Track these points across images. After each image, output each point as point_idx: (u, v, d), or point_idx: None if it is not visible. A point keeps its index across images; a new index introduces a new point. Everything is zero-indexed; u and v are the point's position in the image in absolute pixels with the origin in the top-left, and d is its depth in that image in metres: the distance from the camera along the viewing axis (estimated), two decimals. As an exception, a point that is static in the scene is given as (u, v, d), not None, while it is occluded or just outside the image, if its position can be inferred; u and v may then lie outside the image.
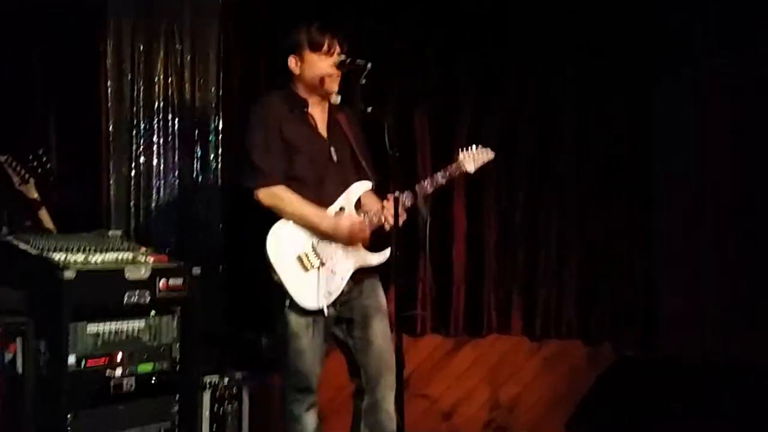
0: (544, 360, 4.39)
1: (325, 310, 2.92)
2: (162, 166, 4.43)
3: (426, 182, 3.08)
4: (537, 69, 4.39)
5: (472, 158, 3.16)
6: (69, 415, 2.78)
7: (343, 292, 3.01)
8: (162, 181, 4.43)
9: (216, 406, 3.31)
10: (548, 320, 4.34)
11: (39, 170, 4.04)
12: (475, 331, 4.33)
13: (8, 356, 2.65)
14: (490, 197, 4.32)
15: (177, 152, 4.43)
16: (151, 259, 3.09)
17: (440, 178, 3.11)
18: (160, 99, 4.44)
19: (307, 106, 3.09)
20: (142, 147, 4.43)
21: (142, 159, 4.43)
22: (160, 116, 4.45)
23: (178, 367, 3.12)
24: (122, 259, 3.02)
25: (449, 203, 4.27)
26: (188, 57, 4.46)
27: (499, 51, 4.34)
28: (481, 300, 4.31)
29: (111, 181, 4.40)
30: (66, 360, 2.76)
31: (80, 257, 2.91)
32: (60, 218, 4.02)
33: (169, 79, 4.46)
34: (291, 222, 2.96)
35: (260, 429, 3.44)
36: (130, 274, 2.94)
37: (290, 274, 2.92)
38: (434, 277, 4.28)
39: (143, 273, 2.98)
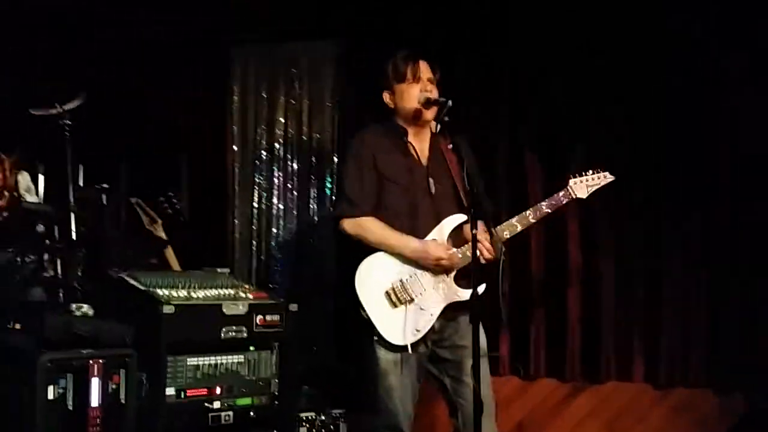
0: (669, 409, 4.05)
1: (409, 348, 2.85)
2: (282, 205, 4.59)
3: (529, 212, 2.99)
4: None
5: (585, 184, 3.04)
6: (168, 446, 2.88)
7: (434, 329, 2.93)
8: (281, 220, 4.58)
9: (312, 442, 3.33)
10: (674, 367, 4.02)
11: (168, 211, 4.28)
12: (593, 376, 4.09)
13: (112, 386, 2.79)
14: (607, 233, 4.09)
15: (295, 192, 4.58)
16: (250, 296, 3.16)
17: (545, 207, 3.00)
18: (280, 142, 4.62)
19: (406, 135, 3.08)
20: (263, 187, 4.62)
21: (263, 199, 4.63)
22: (280, 157, 4.62)
23: (276, 402, 3.16)
24: (222, 295, 3.12)
25: (564, 239, 4.09)
26: (306, 101, 4.62)
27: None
28: (599, 343, 4.07)
29: (235, 221, 4.63)
30: (164, 391, 2.87)
31: (183, 293, 3.03)
32: (186, 256, 4.23)
33: (288, 123, 4.64)
34: (380, 257, 2.93)
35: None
36: (228, 309, 3.03)
37: (378, 309, 2.89)
38: (547, 318, 4.11)
39: (240, 309, 3.05)
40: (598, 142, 4.03)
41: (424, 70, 3.06)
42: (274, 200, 4.59)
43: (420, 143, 3.09)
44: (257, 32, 4.65)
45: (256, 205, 4.60)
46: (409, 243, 2.92)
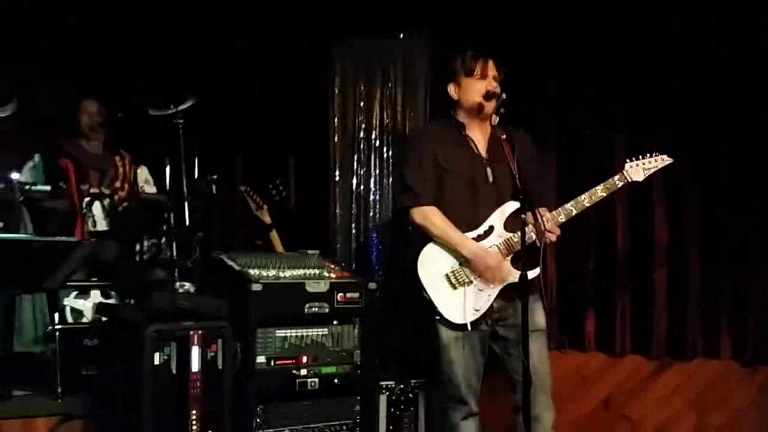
0: (756, 387, 3.99)
1: (468, 326, 3.05)
2: (378, 191, 4.85)
3: (584, 196, 3.09)
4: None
5: (641, 167, 3.11)
6: (259, 407, 3.22)
7: (494, 309, 3.10)
8: (378, 205, 4.84)
9: (392, 408, 3.57)
10: (761, 345, 3.95)
11: (275, 198, 4.64)
12: (680, 353, 4.09)
13: (210, 354, 3.14)
14: (694, 212, 4.06)
15: (391, 178, 4.82)
16: (333, 275, 3.45)
17: (600, 190, 3.10)
18: (377, 131, 4.88)
19: (464, 128, 3.25)
20: (361, 175, 4.90)
21: (361, 185, 4.91)
22: (376, 146, 4.88)
23: (358, 371, 3.43)
24: (307, 274, 3.41)
25: (650, 218, 4.11)
26: (400, 92, 4.85)
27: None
28: (685, 320, 4.06)
29: (336, 206, 4.94)
30: (255, 359, 3.21)
31: (272, 272, 3.36)
32: (291, 239, 4.59)
33: (384, 113, 4.88)
34: (441, 244, 3.13)
35: (436, 434, 3.61)
36: (311, 287, 3.32)
37: (439, 291, 3.09)
38: (633, 296, 4.14)
39: (322, 287, 3.34)
40: (683, 123, 4.03)
41: (492, 67, 3.20)
42: (371, 186, 4.87)
43: (479, 135, 3.24)
44: (355, 28, 4.92)
45: (354, 191, 4.89)
46: (467, 244, 3.09)
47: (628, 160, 3.12)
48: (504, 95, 3.00)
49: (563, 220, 3.07)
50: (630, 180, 3.09)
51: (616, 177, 3.10)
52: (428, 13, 4.67)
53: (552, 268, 4.28)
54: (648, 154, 3.15)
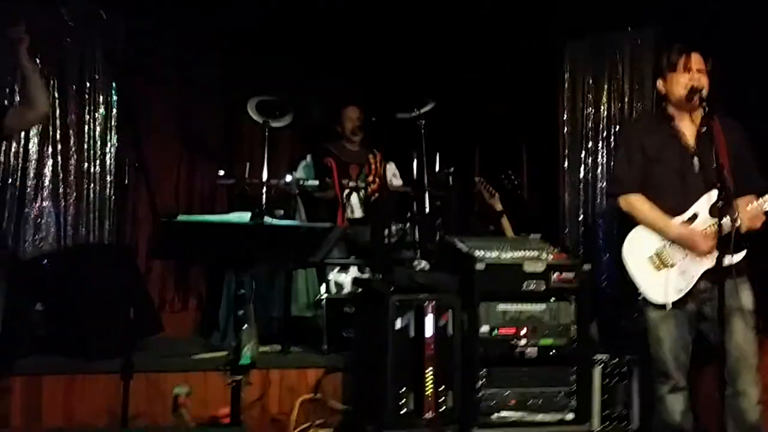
0: None
1: (669, 305, 3.20)
2: (605, 179, 5.02)
3: None
4: None
5: None
6: (484, 370, 3.64)
7: (700, 290, 3.23)
8: (599, 195, 5.03)
9: (607, 380, 3.79)
10: None
11: (508, 187, 5.02)
12: None
13: (442, 322, 3.61)
14: None
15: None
16: (549, 257, 3.76)
17: None
18: (604, 122, 5.06)
19: (672, 120, 3.39)
20: (590, 163, 5.11)
21: (589, 174, 5.12)
22: (604, 136, 5.06)
23: (574, 344, 3.71)
24: (526, 256, 3.75)
25: None
26: (627, 84, 4.99)
27: None
28: None
29: (565, 194, 5.20)
30: (479, 328, 3.63)
31: (494, 254, 3.74)
32: (522, 224, 4.94)
33: (612, 104, 5.05)
34: (645, 229, 3.31)
35: (649, 407, 3.76)
36: (528, 267, 3.66)
37: (642, 273, 3.29)
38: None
39: (538, 267, 3.67)
40: None
41: (696, 61, 3.31)
42: (599, 174, 5.06)
43: (689, 127, 3.35)
44: (584, 24, 5.12)
45: (582, 179, 5.12)
46: (671, 227, 3.26)
47: None
48: (704, 91, 3.11)
49: (761, 209, 3.12)
50: None
51: None
52: (655, 8, 4.75)
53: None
54: None
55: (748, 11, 4.26)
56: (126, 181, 4.68)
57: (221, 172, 4.23)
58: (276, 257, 3.24)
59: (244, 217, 2.58)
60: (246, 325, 2.93)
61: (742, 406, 3.17)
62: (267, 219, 2.68)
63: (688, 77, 3.28)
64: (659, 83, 3.42)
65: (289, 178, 4.29)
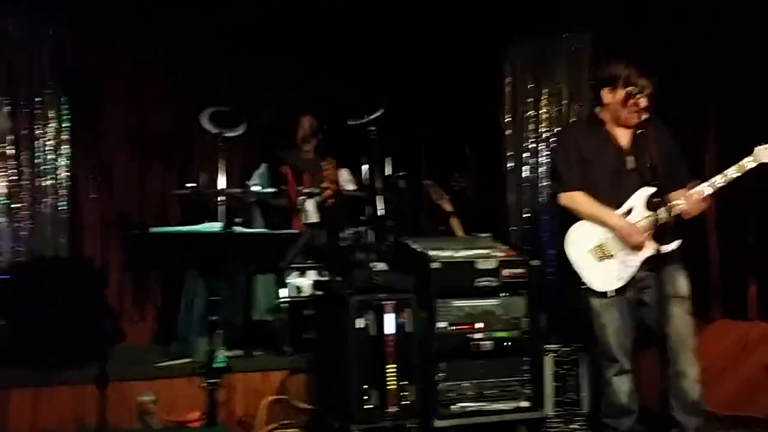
0: None
1: (611, 293, 3.44)
2: (547, 178, 5.25)
3: (718, 178, 3.37)
4: None
5: None
6: (442, 363, 3.79)
7: (639, 278, 3.46)
8: (546, 191, 5.26)
9: (557, 369, 3.99)
10: None
11: (456, 188, 5.20)
12: None
13: (401, 320, 3.75)
14: None
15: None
16: (500, 254, 3.94)
17: (732, 172, 3.35)
18: (544, 124, 5.29)
19: (605, 124, 3.60)
20: (531, 164, 5.34)
21: (530, 174, 5.34)
22: (544, 138, 5.29)
23: (525, 336, 3.90)
24: (478, 254, 3.93)
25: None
26: (565, 87, 5.24)
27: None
28: None
29: (510, 193, 5.41)
30: (436, 324, 3.79)
31: (448, 253, 3.91)
32: (470, 225, 5.12)
33: (551, 107, 5.28)
34: (586, 223, 3.53)
35: (598, 391, 3.98)
36: (480, 264, 3.85)
37: (584, 264, 3.51)
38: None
39: (490, 264, 3.86)
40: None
41: (635, 76, 3.49)
42: (539, 174, 5.29)
43: (621, 129, 3.59)
44: (524, 30, 5.35)
45: (525, 178, 5.34)
46: (613, 217, 3.48)
47: (758, 145, 3.34)
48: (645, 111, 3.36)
49: (698, 197, 3.37)
50: (761, 161, 3.32)
51: (746, 159, 3.34)
52: (590, 14, 5.00)
53: (714, 240, 4.50)
54: None
55: (678, 14, 4.52)
56: (81, 193, 4.68)
57: (191, 184, 4.26)
58: (246, 263, 3.34)
59: (215, 226, 2.68)
60: (218, 330, 3.01)
61: (683, 385, 3.42)
62: (236, 228, 2.79)
63: (643, 105, 3.47)
64: (605, 93, 3.58)
65: (253, 187, 4.37)
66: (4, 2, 4.54)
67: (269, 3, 4.89)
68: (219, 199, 4.37)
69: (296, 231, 3.32)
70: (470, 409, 3.79)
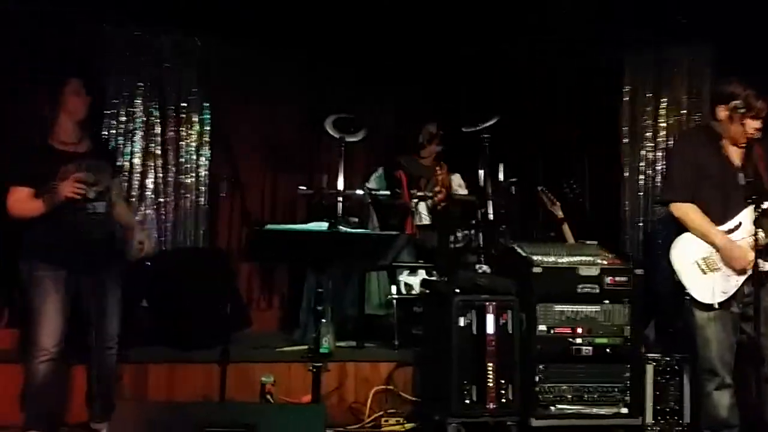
0: None
1: (716, 305, 3.37)
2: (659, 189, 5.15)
3: None
4: None
5: None
6: (541, 366, 3.85)
7: (744, 293, 3.38)
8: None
9: (659, 377, 3.93)
10: None
11: (569, 195, 5.21)
12: None
13: (502, 321, 3.83)
14: None
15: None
16: (604, 262, 3.95)
17: None
18: (663, 132, 5.20)
19: (721, 139, 3.55)
20: (649, 173, 5.26)
21: (649, 183, 5.26)
22: (662, 147, 5.20)
23: (628, 343, 3.88)
24: (581, 261, 3.95)
25: None
26: (684, 98, 5.13)
27: None
28: None
29: (625, 201, 5.35)
30: (537, 327, 3.85)
31: (551, 258, 3.95)
32: (583, 232, 5.11)
33: (668, 116, 5.19)
34: (692, 235, 3.49)
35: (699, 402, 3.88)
36: (582, 271, 3.87)
37: (689, 275, 3.46)
38: None
39: (593, 271, 3.87)
40: None
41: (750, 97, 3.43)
42: (657, 184, 5.20)
43: (734, 146, 3.53)
44: (643, 39, 5.27)
45: (641, 188, 5.26)
46: (718, 235, 3.43)
47: None
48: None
49: None
50: None
51: None
52: (712, 25, 4.88)
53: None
54: None
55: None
56: (221, 192, 5.09)
57: (302, 187, 4.55)
58: (349, 261, 3.56)
59: (323, 225, 2.90)
60: (324, 319, 3.24)
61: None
62: (342, 227, 3.00)
63: (755, 127, 3.42)
64: (721, 111, 3.53)
65: (371, 190, 4.60)
66: (156, 20, 4.99)
67: (389, 13, 5.08)
68: (339, 199, 4.63)
69: (395, 233, 3.49)
70: (569, 411, 3.82)
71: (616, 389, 3.87)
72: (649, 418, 3.90)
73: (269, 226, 2.93)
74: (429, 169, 5.06)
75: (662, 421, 3.91)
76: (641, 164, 5.28)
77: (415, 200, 4.83)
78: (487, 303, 3.81)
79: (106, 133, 4.95)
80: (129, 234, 3.63)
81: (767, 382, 3.38)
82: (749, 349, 3.44)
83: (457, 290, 3.84)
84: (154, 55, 5.13)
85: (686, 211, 3.53)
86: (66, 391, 3.90)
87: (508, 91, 5.43)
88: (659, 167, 5.20)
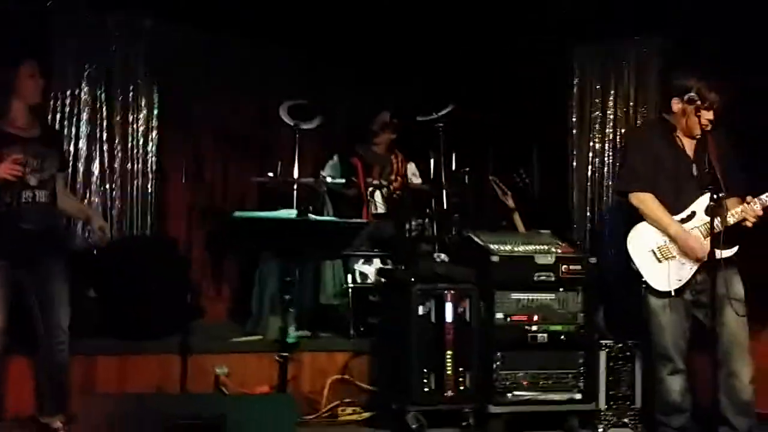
0: None
1: (672, 293, 3.45)
2: (611, 178, 5.23)
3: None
4: None
5: None
6: (499, 353, 3.87)
7: (697, 280, 3.47)
8: (610, 191, 5.24)
9: (611, 363, 4.01)
10: None
11: (520, 185, 5.24)
12: None
13: (460, 309, 3.85)
14: None
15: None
16: (558, 250, 3.99)
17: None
18: (610, 124, 5.28)
19: (675, 131, 3.62)
20: (596, 164, 5.33)
21: (596, 174, 5.34)
22: (610, 138, 5.28)
23: (581, 331, 3.94)
24: (537, 249, 3.99)
25: None
26: (632, 89, 5.20)
27: None
28: None
29: (573, 191, 5.42)
30: (495, 315, 3.87)
31: (508, 247, 3.98)
32: (533, 221, 5.16)
33: (618, 109, 5.26)
34: (647, 224, 3.54)
35: (650, 387, 3.98)
36: (539, 259, 3.91)
37: (645, 263, 3.52)
38: None
39: (549, 260, 3.91)
40: None
41: (715, 98, 3.48)
42: (605, 174, 5.28)
43: (687, 138, 3.60)
44: (592, 30, 5.32)
45: (589, 178, 5.33)
46: (673, 225, 3.50)
47: None
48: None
49: (759, 209, 3.36)
50: None
51: None
52: (661, 17, 4.96)
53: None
54: None
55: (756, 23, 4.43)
56: (167, 177, 4.93)
57: (270, 174, 4.44)
58: (318, 249, 3.50)
59: (291, 213, 2.83)
60: (291, 309, 3.18)
61: (735, 386, 3.42)
62: (311, 216, 2.94)
63: (708, 119, 3.47)
64: (677, 104, 3.58)
65: (325, 177, 4.53)
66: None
67: (344, 3, 5.01)
68: (294, 187, 4.54)
69: (363, 221, 3.45)
70: (525, 397, 3.87)
71: (570, 375, 3.93)
72: (602, 404, 3.97)
73: (238, 214, 2.84)
74: (384, 158, 5.02)
75: (614, 406, 3.99)
76: (590, 155, 5.34)
77: (371, 188, 4.78)
78: (446, 291, 3.82)
79: (50, 117, 4.72)
80: (87, 222, 3.46)
81: (719, 368, 3.45)
82: (702, 335, 3.53)
83: (416, 279, 3.83)
84: (102, 36, 4.91)
85: (644, 200, 3.58)
86: (7, 384, 3.72)
87: (461, 80, 5.41)
88: (606, 159, 5.27)
